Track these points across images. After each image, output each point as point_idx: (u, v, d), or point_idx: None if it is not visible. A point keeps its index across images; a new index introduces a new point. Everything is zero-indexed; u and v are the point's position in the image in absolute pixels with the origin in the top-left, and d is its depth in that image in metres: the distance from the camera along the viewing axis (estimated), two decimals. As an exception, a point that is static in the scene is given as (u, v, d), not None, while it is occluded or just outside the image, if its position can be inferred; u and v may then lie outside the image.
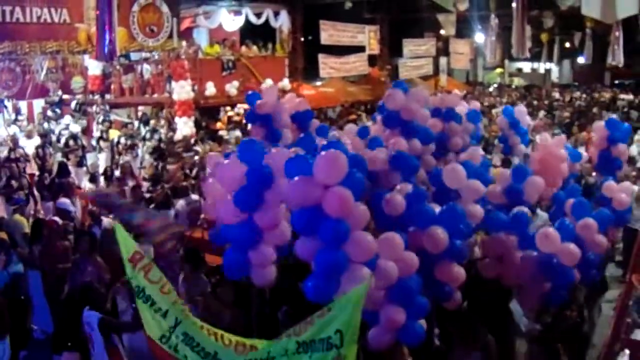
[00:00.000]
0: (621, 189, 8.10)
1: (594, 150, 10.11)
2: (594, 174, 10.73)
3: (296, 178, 5.25)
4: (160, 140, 15.62)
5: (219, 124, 20.57)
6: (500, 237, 6.71)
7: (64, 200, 10.16)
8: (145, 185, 12.00)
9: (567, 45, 40.78)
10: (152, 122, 17.03)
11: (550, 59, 40.96)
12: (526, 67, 49.80)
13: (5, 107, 16.95)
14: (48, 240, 8.32)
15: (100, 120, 17.05)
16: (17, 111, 17.47)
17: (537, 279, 6.46)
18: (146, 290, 5.01)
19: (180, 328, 4.87)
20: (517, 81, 47.57)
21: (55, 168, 13.28)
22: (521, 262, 6.54)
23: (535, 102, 28.80)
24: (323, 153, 5.29)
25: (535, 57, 39.83)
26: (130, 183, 11.98)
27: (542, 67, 45.56)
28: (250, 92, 9.25)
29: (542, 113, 23.27)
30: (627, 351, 5.64)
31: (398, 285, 5.47)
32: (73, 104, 17.38)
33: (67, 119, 16.82)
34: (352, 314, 4.27)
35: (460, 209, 6.26)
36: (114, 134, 16.12)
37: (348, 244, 5.21)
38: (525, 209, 6.92)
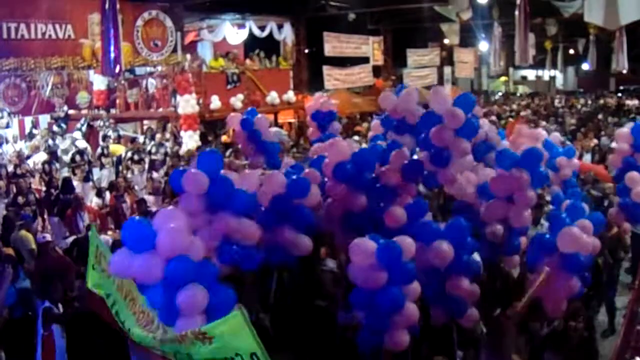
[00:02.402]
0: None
1: (617, 157, 9.76)
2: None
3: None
4: (166, 154, 15.64)
5: (224, 137, 20.55)
6: None
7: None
8: (150, 199, 11.99)
9: (571, 52, 40.77)
10: (157, 136, 17.06)
11: (554, 66, 40.95)
12: (531, 74, 49.84)
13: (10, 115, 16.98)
14: (40, 257, 8.31)
15: (105, 134, 17.11)
16: (34, 126, 17.63)
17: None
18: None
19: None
20: (522, 89, 47.69)
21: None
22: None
23: (541, 110, 28.77)
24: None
25: (539, 64, 39.87)
26: (128, 199, 11.97)
27: (546, 74, 45.55)
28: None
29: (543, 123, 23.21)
30: (638, 359, 5.59)
31: None
32: (83, 126, 17.41)
33: (75, 134, 16.88)
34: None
35: (465, 223, 6.24)
36: (120, 150, 16.13)
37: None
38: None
